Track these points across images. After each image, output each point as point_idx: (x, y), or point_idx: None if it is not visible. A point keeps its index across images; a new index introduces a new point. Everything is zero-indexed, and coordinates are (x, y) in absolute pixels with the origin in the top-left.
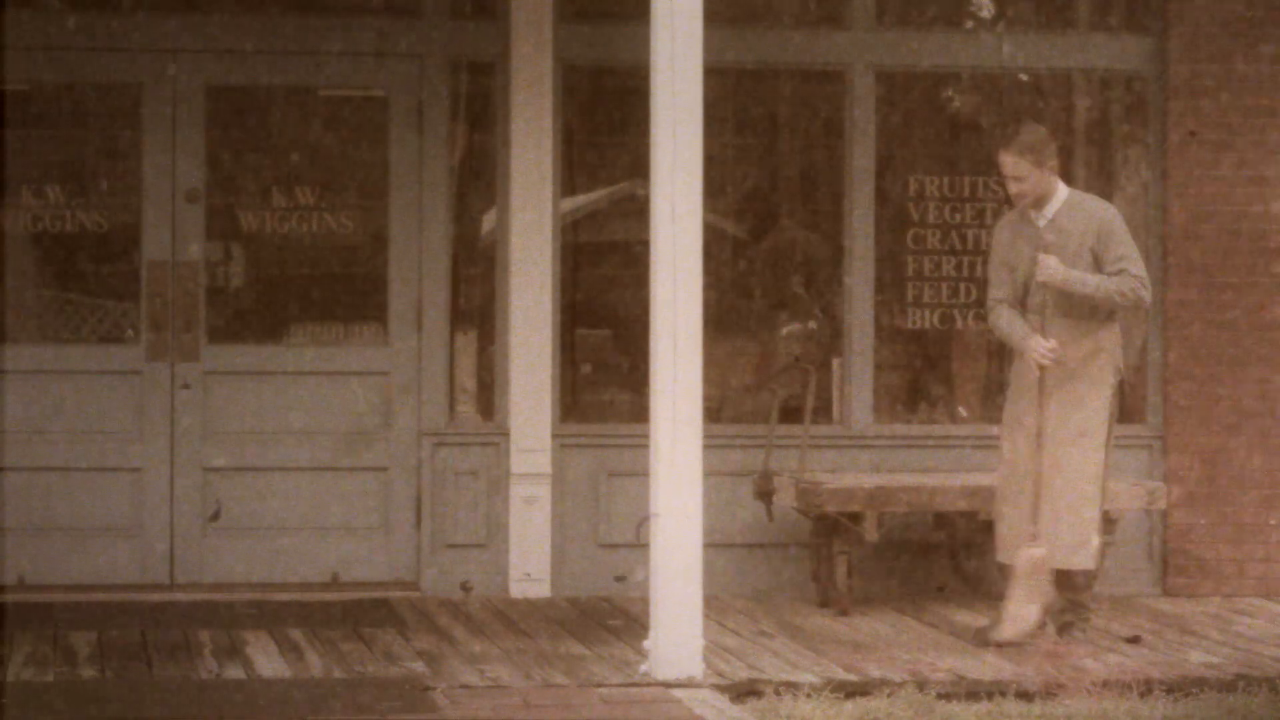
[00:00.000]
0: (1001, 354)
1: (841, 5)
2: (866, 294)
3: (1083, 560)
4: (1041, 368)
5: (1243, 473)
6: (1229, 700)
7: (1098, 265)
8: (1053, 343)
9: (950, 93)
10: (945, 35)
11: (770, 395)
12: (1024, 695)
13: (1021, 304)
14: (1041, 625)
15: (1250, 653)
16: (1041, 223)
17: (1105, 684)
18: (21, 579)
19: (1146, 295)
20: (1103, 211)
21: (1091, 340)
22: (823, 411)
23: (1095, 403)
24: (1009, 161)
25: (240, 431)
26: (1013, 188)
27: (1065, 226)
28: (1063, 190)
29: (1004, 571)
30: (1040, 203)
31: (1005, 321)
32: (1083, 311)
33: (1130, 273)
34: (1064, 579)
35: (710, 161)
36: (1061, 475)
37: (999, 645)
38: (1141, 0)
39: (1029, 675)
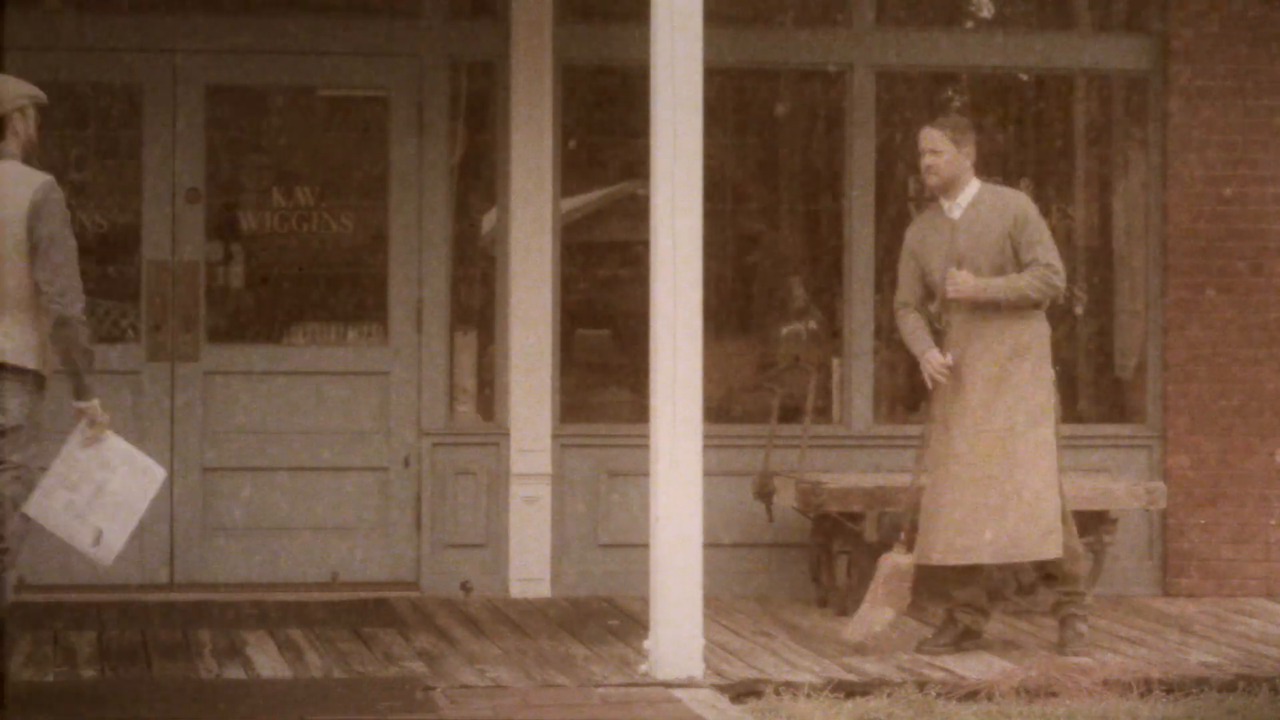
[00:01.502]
0: None
1: (841, 5)
2: (866, 294)
3: (1051, 549)
4: (934, 381)
5: (1243, 473)
6: (1229, 700)
7: (1015, 254)
8: (948, 358)
9: (950, 93)
10: (945, 35)
11: (770, 395)
12: (1024, 695)
13: (931, 301)
14: (892, 630)
15: (1250, 653)
16: (955, 214)
17: (1105, 684)
18: (21, 579)
19: (1060, 283)
20: (1015, 201)
21: (1014, 336)
22: (823, 411)
23: (1040, 396)
24: (928, 135)
25: (240, 431)
26: (925, 161)
27: (979, 217)
28: (975, 183)
29: (937, 572)
30: (951, 191)
31: (909, 328)
32: (998, 308)
33: (1041, 262)
34: (1055, 572)
35: (710, 161)
36: (1021, 470)
37: (847, 642)
38: (1141, 0)
39: (1029, 675)
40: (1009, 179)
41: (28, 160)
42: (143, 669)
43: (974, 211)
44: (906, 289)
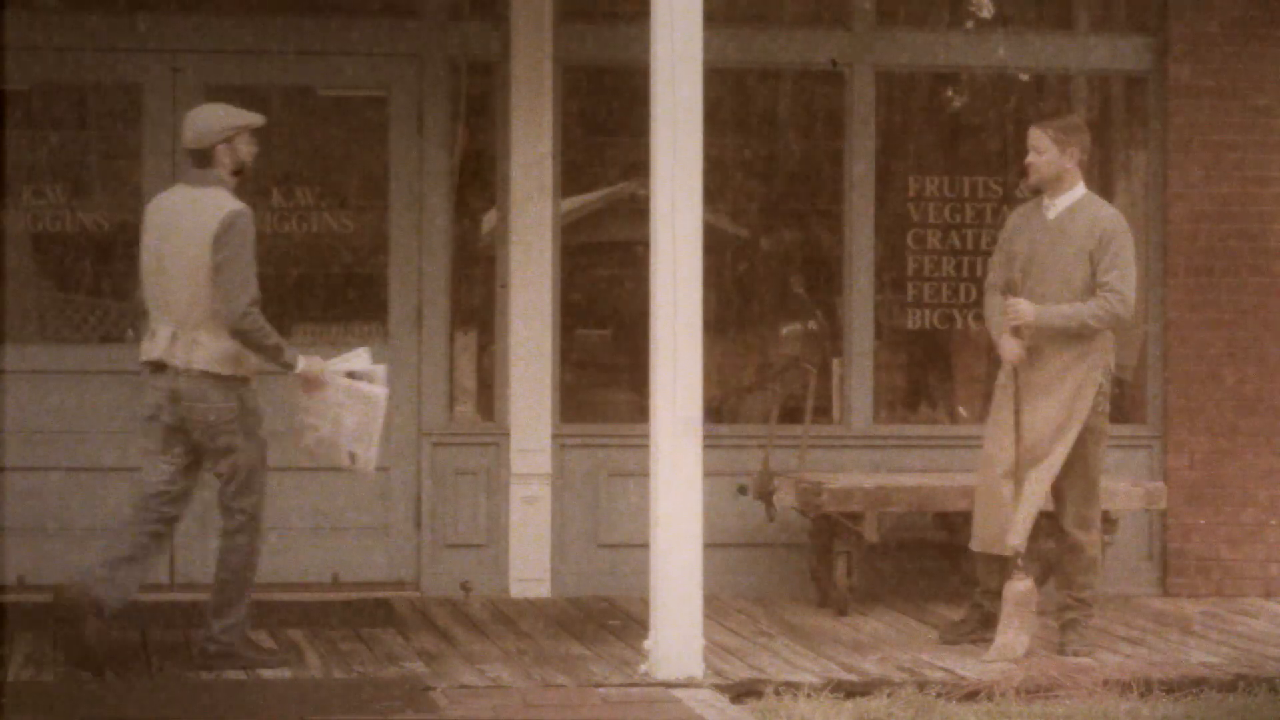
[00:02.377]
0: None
1: (841, 5)
2: (866, 294)
3: (1014, 543)
4: (1011, 365)
5: (1243, 473)
6: (1229, 700)
7: (1093, 270)
8: (1022, 349)
9: (950, 93)
10: (945, 35)
11: (770, 395)
12: (1024, 695)
13: (1013, 291)
14: (1030, 653)
15: (1250, 653)
16: (1050, 214)
17: (1105, 684)
18: (21, 579)
19: (1125, 312)
20: (1108, 219)
21: (1080, 344)
22: (823, 411)
23: (1082, 404)
24: (1033, 133)
25: None
26: (1027, 159)
27: (1069, 225)
28: (1080, 189)
29: (972, 559)
30: (1054, 191)
31: (990, 310)
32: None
33: (1110, 288)
34: (1072, 578)
35: (710, 161)
36: (1036, 471)
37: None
38: (1141, 0)
39: (1029, 675)
40: (1010, 179)
41: (240, 182)
42: (143, 669)
43: (1067, 217)
44: (998, 271)
